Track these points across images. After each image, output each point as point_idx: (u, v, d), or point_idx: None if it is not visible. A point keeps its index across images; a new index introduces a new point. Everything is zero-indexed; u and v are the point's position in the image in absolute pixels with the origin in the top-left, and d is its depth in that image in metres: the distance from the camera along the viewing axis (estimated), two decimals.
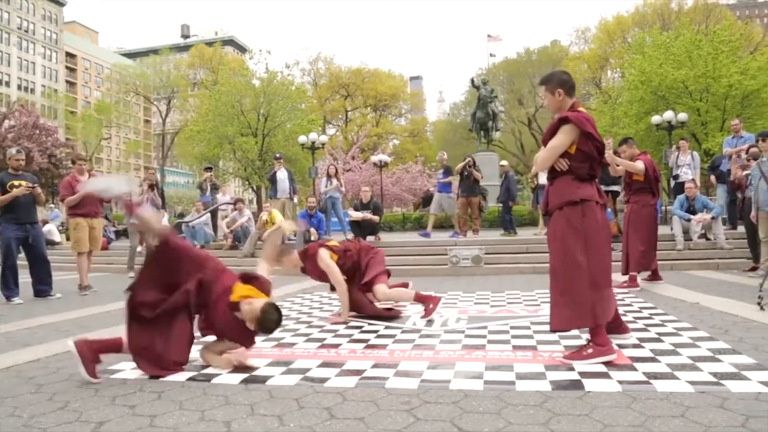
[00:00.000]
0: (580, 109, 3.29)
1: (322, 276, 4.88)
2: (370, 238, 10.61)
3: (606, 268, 3.24)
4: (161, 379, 3.03)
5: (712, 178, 11.21)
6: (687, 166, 10.91)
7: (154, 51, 63.50)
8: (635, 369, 2.93)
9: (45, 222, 15.38)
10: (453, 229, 12.15)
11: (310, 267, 4.87)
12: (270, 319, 3.11)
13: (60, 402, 2.67)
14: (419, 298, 4.95)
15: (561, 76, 3.38)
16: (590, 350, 3.09)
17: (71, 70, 79.23)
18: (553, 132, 3.27)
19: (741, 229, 8.73)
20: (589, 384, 2.68)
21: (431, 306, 4.88)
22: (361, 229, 10.37)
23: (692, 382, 2.64)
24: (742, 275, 7.44)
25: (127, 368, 3.27)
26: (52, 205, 21.72)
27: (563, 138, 3.20)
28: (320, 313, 5.25)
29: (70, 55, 78.68)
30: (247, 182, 35.39)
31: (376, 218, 10.47)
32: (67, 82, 77.18)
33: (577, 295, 3.10)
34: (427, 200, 23.02)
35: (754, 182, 7.04)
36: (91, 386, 2.93)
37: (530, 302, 5.53)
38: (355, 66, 54.60)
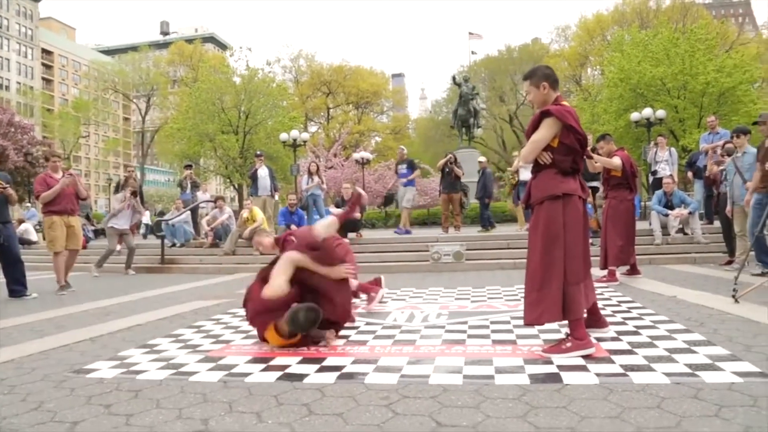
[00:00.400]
0: (564, 102, 3.30)
1: None
2: (351, 235, 10.58)
3: (584, 263, 3.25)
4: (137, 377, 2.99)
5: (690, 174, 11.37)
6: (665, 162, 11.05)
7: (133, 48, 62.60)
8: (613, 361, 2.95)
9: (21, 221, 15.13)
10: (438, 226, 12.19)
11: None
12: (295, 318, 3.34)
13: (34, 402, 2.62)
14: (362, 288, 5.34)
15: (545, 70, 3.39)
16: (569, 344, 3.11)
17: (48, 67, 77.81)
18: (535, 126, 3.27)
19: (717, 223, 8.87)
20: (567, 377, 2.70)
21: (373, 294, 5.29)
22: (343, 225, 10.33)
23: (668, 374, 2.68)
24: (718, 269, 7.56)
25: (104, 367, 3.23)
26: (29, 204, 21.40)
27: (546, 131, 3.21)
28: None
29: (46, 52, 77.26)
30: (228, 180, 35.19)
31: (357, 215, 10.45)
32: (43, 79, 75.79)
33: (552, 290, 3.12)
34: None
35: (729, 177, 7.16)
36: (66, 386, 2.88)
37: (511, 297, 5.56)
38: (337, 63, 54.54)
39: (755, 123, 6.68)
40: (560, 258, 3.13)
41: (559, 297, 3.11)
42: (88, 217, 16.48)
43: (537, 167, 3.33)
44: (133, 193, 10.44)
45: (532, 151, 3.26)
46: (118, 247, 10.57)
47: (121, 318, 5.11)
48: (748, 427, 2.00)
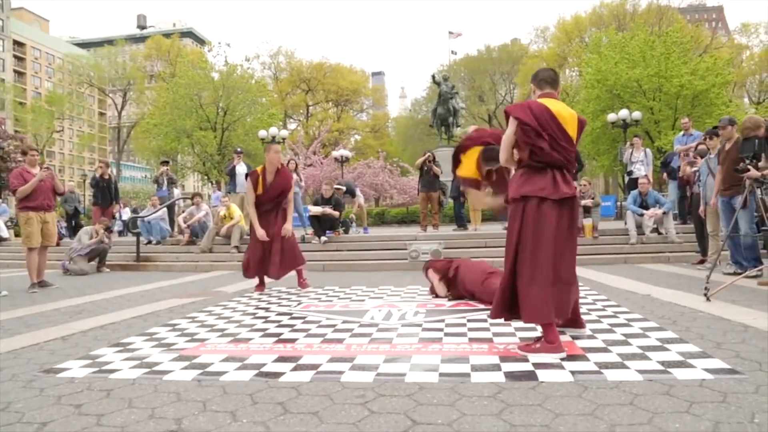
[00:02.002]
0: (542, 99, 3.26)
1: None
2: (329, 233, 10.56)
3: (554, 266, 3.12)
4: (109, 377, 2.94)
5: (664, 174, 11.57)
6: (640, 163, 11.23)
7: (109, 41, 61.52)
8: (587, 359, 2.98)
9: None
10: (417, 224, 12.36)
11: None
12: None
13: (1, 403, 2.55)
14: None
15: (536, 71, 3.47)
16: (538, 345, 3.10)
17: (19, 59, 76.09)
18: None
19: (691, 223, 9.04)
20: (543, 375, 2.71)
21: None
22: (321, 223, 10.31)
23: (641, 371, 2.71)
24: (691, 268, 7.70)
25: (75, 367, 3.16)
26: None
27: (509, 130, 3.23)
28: (278, 308, 5.20)
29: (18, 44, 75.49)
30: (206, 177, 34.83)
31: (335, 213, 10.42)
32: (15, 71, 74.11)
33: (502, 287, 3.18)
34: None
35: (702, 178, 7.30)
36: (36, 386, 2.82)
37: None
38: (317, 60, 54.38)
39: (715, 127, 6.84)
40: (511, 258, 3.16)
41: (505, 296, 3.16)
42: (77, 211, 16.04)
43: (516, 165, 3.33)
44: (107, 229, 10.15)
45: (501, 152, 3.29)
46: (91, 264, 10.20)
47: (93, 316, 5.02)
48: (718, 422, 2.03)
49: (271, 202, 6.34)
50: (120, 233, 16.99)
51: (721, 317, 4.01)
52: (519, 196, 3.18)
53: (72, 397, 2.61)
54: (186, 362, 3.20)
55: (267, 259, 6.32)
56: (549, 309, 3.08)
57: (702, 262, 7.80)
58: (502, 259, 3.40)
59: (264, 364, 3.10)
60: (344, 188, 12.48)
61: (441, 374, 2.79)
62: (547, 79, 3.37)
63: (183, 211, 12.33)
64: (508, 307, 3.20)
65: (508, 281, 3.18)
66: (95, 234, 9.98)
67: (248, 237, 10.68)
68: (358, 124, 57.39)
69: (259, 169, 6.38)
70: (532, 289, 3.07)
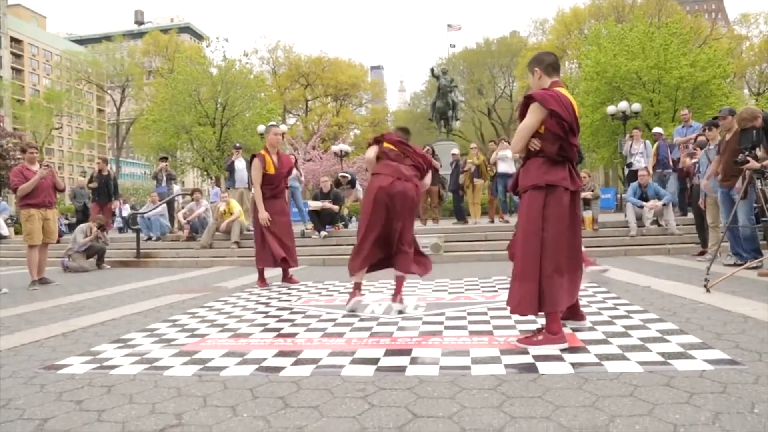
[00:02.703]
0: (557, 88, 3.21)
1: None
2: (329, 228, 10.55)
3: (569, 256, 3.17)
4: (110, 373, 2.94)
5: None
6: (640, 155, 11.21)
7: (107, 37, 61.43)
8: (588, 351, 2.98)
9: None
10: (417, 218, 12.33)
11: None
12: None
13: (2, 400, 2.56)
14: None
15: (540, 55, 3.37)
16: (540, 337, 3.09)
17: (17, 57, 75.91)
18: (523, 112, 3.22)
19: (691, 215, 9.03)
20: (543, 367, 2.71)
21: None
22: (321, 218, 10.30)
23: (641, 363, 2.71)
24: (691, 259, 7.70)
25: (75, 363, 3.16)
26: None
27: (531, 118, 3.15)
28: (278, 303, 5.20)
29: (15, 41, 75.31)
30: (205, 173, 34.82)
31: (335, 207, 10.42)
32: (12, 68, 73.95)
33: (529, 281, 3.08)
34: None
35: (702, 170, 7.28)
36: (37, 382, 2.82)
37: (488, 289, 5.59)
38: (315, 55, 54.12)
39: (715, 118, 6.83)
40: (537, 249, 3.08)
41: (535, 289, 3.06)
42: (86, 207, 15.95)
43: (527, 154, 3.27)
44: (101, 227, 10.09)
45: (518, 140, 3.21)
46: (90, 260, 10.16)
47: (94, 313, 5.02)
48: (718, 413, 2.03)
49: (282, 180, 6.45)
50: (120, 230, 16.97)
51: (721, 308, 4.01)
52: (544, 183, 3.13)
53: (73, 393, 2.61)
54: (186, 358, 3.20)
55: (286, 247, 6.38)
56: (563, 296, 3.13)
57: (702, 253, 7.80)
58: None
59: (264, 359, 3.10)
60: (349, 176, 12.46)
61: (441, 367, 2.80)
62: (554, 66, 3.32)
63: (182, 207, 12.32)
64: (539, 299, 3.08)
65: (536, 271, 3.08)
66: (89, 232, 9.95)
67: (249, 232, 10.74)
68: (357, 119, 57.27)
69: (262, 151, 6.38)
70: (555, 277, 3.08)
